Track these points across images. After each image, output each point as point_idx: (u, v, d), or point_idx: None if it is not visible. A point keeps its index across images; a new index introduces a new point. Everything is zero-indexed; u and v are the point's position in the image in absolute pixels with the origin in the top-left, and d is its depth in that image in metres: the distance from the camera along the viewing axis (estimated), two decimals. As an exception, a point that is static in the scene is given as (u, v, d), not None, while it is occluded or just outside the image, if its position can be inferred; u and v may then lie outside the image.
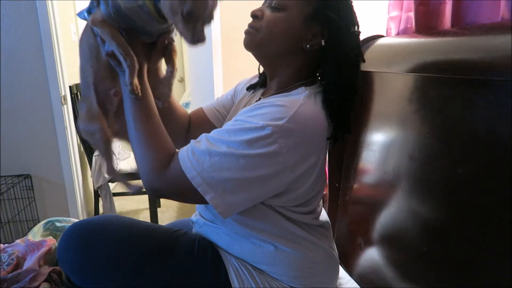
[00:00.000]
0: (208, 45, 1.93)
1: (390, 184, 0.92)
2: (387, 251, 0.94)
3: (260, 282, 0.82)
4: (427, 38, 0.85)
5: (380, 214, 0.97)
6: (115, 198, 2.51)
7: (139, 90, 0.77)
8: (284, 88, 0.85)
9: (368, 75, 1.04)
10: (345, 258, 1.15)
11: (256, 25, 0.83)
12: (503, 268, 0.59)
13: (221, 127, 1.01)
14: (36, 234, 1.14)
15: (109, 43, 0.75)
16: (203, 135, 0.75)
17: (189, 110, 1.12)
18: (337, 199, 1.26)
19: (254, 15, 0.84)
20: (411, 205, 0.83)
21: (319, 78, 0.86)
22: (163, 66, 0.90)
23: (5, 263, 0.99)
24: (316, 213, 0.88)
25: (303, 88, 0.81)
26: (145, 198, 2.80)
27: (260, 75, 0.99)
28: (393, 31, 1.13)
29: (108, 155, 0.92)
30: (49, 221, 1.20)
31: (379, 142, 1.01)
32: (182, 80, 4.61)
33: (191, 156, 0.72)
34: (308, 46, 0.82)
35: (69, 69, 2.36)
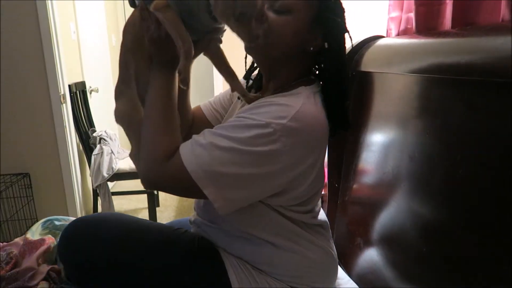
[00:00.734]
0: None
1: (389, 185, 0.93)
2: (386, 252, 0.94)
3: (260, 282, 0.82)
4: (427, 39, 0.86)
5: (379, 215, 0.97)
6: (113, 197, 2.51)
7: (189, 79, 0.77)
8: (283, 87, 0.84)
9: (368, 76, 1.04)
10: (344, 258, 1.15)
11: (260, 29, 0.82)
12: (503, 269, 0.59)
13: None
14: (35, 232, 1.14)
15: (169, 28, 0.74)
16: (206, 130, 0.75)
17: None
18: (336, 199, 1.26)
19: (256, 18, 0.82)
20: (411, 206, 0.83)
21: (318, 78, 0.87)
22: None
23: (4, 262, 0.99)
24: (314, 213, 0.88)
25: (302, 87, 0.81)
26: (144, 198, 2.80)
27: (253, 80, 0.98)
28: (393, 32, 1.13)
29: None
30: (48, 220, 1.20)
31: (378, 143, 1.01)
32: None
33: (192, 149, 0.72)
34: (311, 48, 0.82)
35: (68, 68, 2.35)
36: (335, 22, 0.80)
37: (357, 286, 1.02)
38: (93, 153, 2.43)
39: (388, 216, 0.93)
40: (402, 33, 1.09)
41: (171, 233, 0.89)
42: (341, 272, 1.06)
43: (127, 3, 0.82)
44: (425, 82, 0.79)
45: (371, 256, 1.01)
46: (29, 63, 2.17)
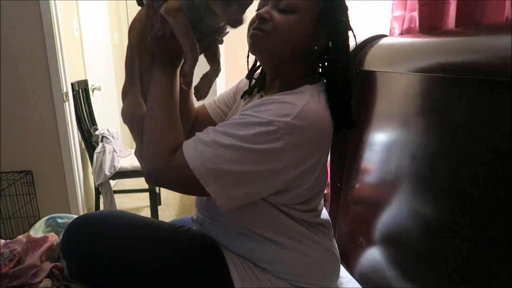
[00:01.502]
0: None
1: (392, 184, 0.92)
2: (388, 251, 0.94)
3: (262, 280, 0.82)
4: (431, 38, 0.85)
5: (381, 214, 0.97)
6: (115, 196, 2.51)
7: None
8: (288, 86, 0.84)
9: (371, 75, 1.04)
10: (346, 258, 1.15)
11: (265, 28, 0.80)
12: (504, 269, 0.59)
13: None
14: (37, 230, 1.14)
15: (179, 32, 0.75)
16: (209, 127, 0.75)
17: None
18: (338, 198, 1.26)
19: (261, 17, 0.80)
20: (413, 205, 0.83)
21: (322, 76, 0.87)
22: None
23: (7, 259, 0.99)
24: (317, 211, 0.88)
25: (307, 86, 0.81)
26: (145, 196, 2.80)
27: (256, 80, 0.98)
28: (397, 31, 1.12)
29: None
30: (50, 218, 1.20)
31: (381, 142, 1.01)
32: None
33: (195, 147, 0.72)
34: (316, 47, 0.82)
35: (71, 66, 2.36)
36: (339, 21, 0.81)
37: (359, 285, 1.02)
38: (95, 151, 2.43)
39: (390, 216, 0.93)
40: (405, 32, 1.08)
41: (173, 231, 0.89)
42: (343, 271, 1.06)
43: (130, 2, 0.83)
44: (428, 81, 0.79)
45: (373, 255, 1.00)
46: (32, 60, 2.18)
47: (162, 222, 0.95)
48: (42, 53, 2.17)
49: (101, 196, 2.48)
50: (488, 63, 0.61)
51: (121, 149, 2.61)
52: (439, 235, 0.75)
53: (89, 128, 2.54)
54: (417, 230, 0.82)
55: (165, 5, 0.75)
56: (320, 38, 0.82)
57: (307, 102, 0.74)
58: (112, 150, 2.46)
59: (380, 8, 1.64)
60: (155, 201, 2.45)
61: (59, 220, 1.19)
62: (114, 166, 2.41)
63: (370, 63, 1.05)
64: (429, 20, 0.95)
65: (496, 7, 0.78)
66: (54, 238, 1.07)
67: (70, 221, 1.01)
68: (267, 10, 0.80)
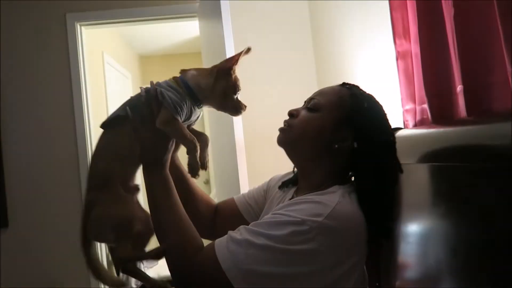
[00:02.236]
0: (231, 146, 2.02)
1: (436, 280, 0.86)
2: None
3: None
4: (446, 128, 0.87)
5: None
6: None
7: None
8: (317, 188, 0.85)
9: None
10: None
11: (290, 123, 0.88)
12: None
13: (252, 221, 1.01)
14: None
15: (178, 136, 0.85)
16: (242, 226, 0.76)
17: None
18: (379, 299, 1.16)
19: (290, 113, 0.89)
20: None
21: (352, 178, 0.88)
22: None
23: None
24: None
25: (337, 186, 0.81)
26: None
27: (294, 173, 1.00)
28: (411, 123, 1.15)
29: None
30: None
31: (415, 234, 0.97)
32: (207, 182, 4.71)
33: (227, 246, 0.72)
34: (337, 146, 0.83)
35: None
36: (365, 124, 0.83)
37: None
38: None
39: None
40: (419, 123, 1.11)
41: None
42: None
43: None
44: (451, 170, 0.79)
45: None
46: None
47: None
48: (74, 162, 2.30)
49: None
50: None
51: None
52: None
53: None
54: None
55: (159, 120, 0.83)
56: (344, 139, 0.84)
57: (338, 202, 0.74)
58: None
59: (390, 102, 1.72)
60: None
61: None
62: (141, 278, 2.34)
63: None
64: (441, 111, 0.98)
65: (505, 95, 0.80)
66: None
67: None
68: (297, 108, 0.89)
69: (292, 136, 0.87)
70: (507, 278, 0.65)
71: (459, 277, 0.78)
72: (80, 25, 2.53)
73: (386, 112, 0.89)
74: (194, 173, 0.85)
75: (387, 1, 1.20)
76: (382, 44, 1.44)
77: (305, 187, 0.89)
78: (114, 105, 3.00)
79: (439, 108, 0.99)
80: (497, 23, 0.76)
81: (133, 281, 2.30)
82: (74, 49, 2.46)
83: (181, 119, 0.86)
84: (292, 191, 0.96)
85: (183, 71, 0.91)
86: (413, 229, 0.98)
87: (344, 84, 0.92)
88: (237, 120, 1.85)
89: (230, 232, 0.76)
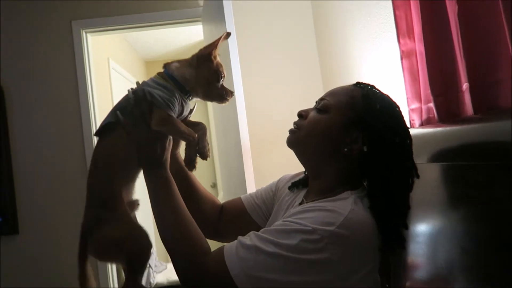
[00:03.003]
0: (237, 149, 2.02)
1: (446, 281, 0.85)
2: None
3: None
4: (453, 126, 0.87)
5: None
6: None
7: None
8: (328, 192, 0.82)
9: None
10: None
11: (299, 124, 0.87)
12: None
13: (259, 221, 0.99)
14: None
15: (176, 133, 0.85)
16: (251, 232, 0.75)
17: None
18: (389, 300, 1.15)
19: (299, 114, 0.88)
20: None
21: (364, 183, 0.85)
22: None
23: None
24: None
25: (348, 192, 0.79)
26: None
27: (305, 174, 0.98)
28: (417, 122, 1.15)
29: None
30: None
31: (424, 233, 0.96)
32: (214, 186, 4.72)
33: (237, 252, 0.71)
34: (346, 149, 0.80)
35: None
36: (375, 126, 0.78)
37: None
38: None
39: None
40: (425, 122, 1.10)
41: None
42: None
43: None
44: (459, 169, 0.78)
45: None
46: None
47: None
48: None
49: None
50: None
51: (156, 264, 2.58)
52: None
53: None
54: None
55: (154, 121, 0.82)
56: (353, 141, 0.80)
57: (351, 210, 0.72)
58: (148, 265, 2.43)
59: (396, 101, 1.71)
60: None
61: None
62: (150, 283, 2.35)
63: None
64: (447, 110, 0.97)
65: (509, 91, 0.79)
66: None
67: None
68: (307, 109, 0.88)
69: (300, 137, 0.85)
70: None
71: (470, 277, 0.77)
72: (86, 32, 2.55)
73: (402, 113, 0.84)
74: (191, 166, 0.87)
75: (390, 0, 1.19)
76: (387, 43, 1.44)
77: (315, 190, 0.86)
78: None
79: (445, 107, 0.98)
80: (501, 19, 0.75)
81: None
82: (80, 55, 2.49)
83: (174, 114, 0.85)
84: (302, 193, 0.93)
85: (166, 65, 0.90)
86: (422, 229, 0.98)
87: (357, 83, 0.87)
88: (242, 122, 1.85)
89: (240, 238, 0.75)
